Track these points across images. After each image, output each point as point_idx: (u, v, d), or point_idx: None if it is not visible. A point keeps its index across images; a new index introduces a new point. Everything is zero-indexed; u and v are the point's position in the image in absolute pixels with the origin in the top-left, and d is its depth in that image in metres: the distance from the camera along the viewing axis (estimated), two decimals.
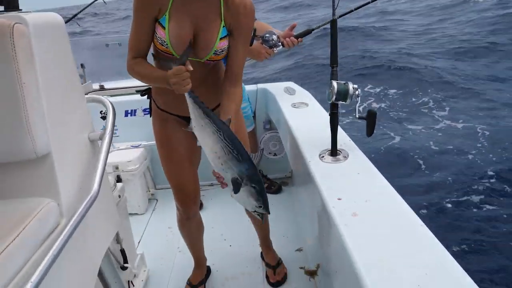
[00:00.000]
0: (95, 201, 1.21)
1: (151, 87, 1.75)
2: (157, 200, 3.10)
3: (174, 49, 1.45)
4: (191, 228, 2.02)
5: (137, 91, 1.94)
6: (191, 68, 1.37)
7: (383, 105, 7.10)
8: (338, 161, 1.63)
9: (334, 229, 1.23)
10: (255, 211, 1.40)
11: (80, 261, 1.28)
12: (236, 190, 1.35)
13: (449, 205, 3.89)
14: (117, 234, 1.95)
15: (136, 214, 2.90)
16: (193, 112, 1.41)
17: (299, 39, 2.36)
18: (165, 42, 1.44)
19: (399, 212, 1.25)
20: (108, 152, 1.37)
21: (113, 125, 1.44)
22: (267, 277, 2.15)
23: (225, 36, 1.50)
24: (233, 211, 2.79)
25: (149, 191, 3.04)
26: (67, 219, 1.20)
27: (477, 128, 5.53)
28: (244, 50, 1.57)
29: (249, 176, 1.34)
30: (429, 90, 7.33)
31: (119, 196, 2.02)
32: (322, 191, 1.41)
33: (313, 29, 2.37)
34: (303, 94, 2.70)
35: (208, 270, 2.25)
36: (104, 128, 1.42)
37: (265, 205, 1.38)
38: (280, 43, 2.35)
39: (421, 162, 4.80)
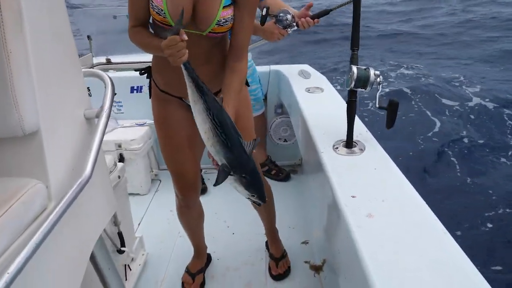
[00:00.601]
0: (88, 184, 1.11)
1: (150, 65, 1.64)
2: (160, 181, 3.01)
3: (172, 19, 1.33)
4: (191, 217, 1.92)
5: (136, 70, 1.83)
6: (186, 38, 1.24)
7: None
8: (354, 154, 1.50)
9: (346, 230, 1.11)
10: (249, 198, 1.34)
11: (69, 248, 1.19)
12: (220, 178, 1.25)
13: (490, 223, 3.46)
14: (115, 217, 1.86)
15: (138, 194, 2.81)
16: (188, 85, 1.30)
17: (316, 20, 2.20)
18: (162, 11, 1.32)
19: (420, 217, 1.13)
20: (104, 132, 1.26)
21: (111, 102, 1.32)
22: (269, 268, 2.06)
23: (229, 5, 1.36)
24: (238, 197, 2.68)
25: (152, 171, 2.95)
26: (56, 203, 1.10)
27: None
28: (250, 22, 1.44)
29: (238, 165, 1.25)
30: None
31: (119, 177, 1.93)
32: (335, 186, 1.29)
33: (331, 9, 2.21)
34: (318, 78, 2.56)
35: (209, 258, 2.17)
36: (101, 106, 1.30)
37: (258, 195, 1.29)
38: (294, 24, 2.19)
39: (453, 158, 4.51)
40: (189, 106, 1.32)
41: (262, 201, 1.31)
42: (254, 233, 2.37)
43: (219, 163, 1.28)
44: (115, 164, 1.92)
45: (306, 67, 2.82)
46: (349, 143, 1.56)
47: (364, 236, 1.06)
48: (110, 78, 1.38)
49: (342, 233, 1.16)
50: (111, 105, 1.32)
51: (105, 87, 1.37)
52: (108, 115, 1.29)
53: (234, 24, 1.41)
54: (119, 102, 2.99)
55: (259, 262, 2.15)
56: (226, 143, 1.23)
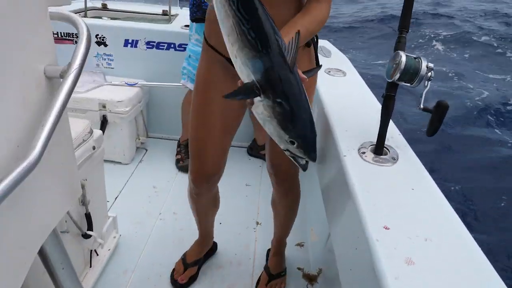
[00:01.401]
0: (38, 167, 0.80)
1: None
2: (146, 150, 2.70)
3: None
4: (200, 204, 1.61)
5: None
6: None
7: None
8: (384, 163, 1.20)
9: (376, 278, 0.82)
10: (287, 150, 0.91)
11: (4, 248, 0.89)
12: (238, 92, 0.87)
13: None
14: (84, 195, 1.56)
15: (120, 163, 2.50)
16: None
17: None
18: None
19: (479, 272, 0.84)
20: (67, 98, 0.92)
21: (84, 59, 0.97)
22: (258, 280, 1.76)
23: None
24: (232, 183, 2.40)
25: (139, 139, 2.63)
26: None
27: None
28: None
29: (271, 81, 0.84)
30: None
31: (94, 148, 1.61)
32: (362, 209, 0.99)
33: None
34: (340, 59, 2.21)
35: (212, 249, 1.88)
36: (70, 63, 0.96)
37: (303, 141, 0.88)
38: None
39: None
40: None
41: (309, 157, 0.90)
42: (245, 226, 2.10)
43: (248, 81, 0.88)
44: (91, 132, 1.60)
45: (326, 43, 2.46)
46: (379, 148, 1.25)
47: None
48: (87, 26, 1.04)
49: (368, 278, 0.87)
50: (83, 63, 0.98)
51: (78, 37, 1.03)
52: (77, 76, 0.96)
53: None
54: (110, 55, 2.63)
55: (246, 262, 1.88)
56: (256, 44, 0.84)
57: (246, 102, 0.92)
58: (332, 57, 2.20)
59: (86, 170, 1.56)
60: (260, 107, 0.87)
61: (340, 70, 1.99)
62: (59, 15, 1.07)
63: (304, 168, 0.94)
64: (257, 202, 2.27)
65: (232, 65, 1.28)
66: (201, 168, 1.44)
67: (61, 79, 0.96)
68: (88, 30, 1.03)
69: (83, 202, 1.56)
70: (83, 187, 1.56)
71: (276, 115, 0.85)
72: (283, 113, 0.85)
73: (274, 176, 1.53)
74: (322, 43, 2.41)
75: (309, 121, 0.89)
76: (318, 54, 2.18)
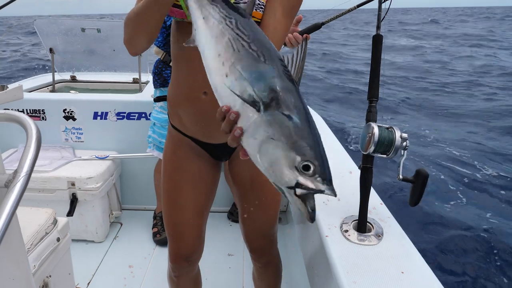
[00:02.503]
0: None
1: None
2: (121, 224, 2.56)
3: None
4: (183, 286, 1.49)
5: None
6: None
7: None
8: (369, 243, 1.12)
9: None
10: (296, 185, 0.67)
11: None
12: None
13: None
14: None
15: (92, 242, 2.35)
16: (192, 3, 0.86)
17: (305, 35, 1.83)
18: None
19: None
20: (14, 210, 0.83)
21: (32, 165, 0.89)
22: None
23: None
24: (213, 254, 2.27)
25: (113, 214, 2.49)
26: None
27: None
28: (283, 18, 1.08)
29: (280, 90, 0.70)
30: None
31: (58, 240, 1.49)
32: None
33: (323, 23, 1.85)
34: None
35: None
36: (16, 170, 0.88)
37: (320, 165, 0.67)
38: None
39: None
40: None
41: (329, 187, 0.68)
42: None
43: (242, 97, 0.71)
44: (54, 222, 1.49)
45: None
46: (362, 224, 1.18)
47: None
48: (37, 127, 0.97)
49: None
50: (31, 170, 0.90)
51: (26, 139, 0.96)
52: (24, 185, 0.87)
53: (264, 15, 1.07)
54: (79, 128, 2.55)
55: None
56: (258, 56, 0.73)
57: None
58: None
59: (50, 265, 1.43)
60: (260, 128, 0.69)
61: None
62: (5, 116, 1.00)
63: (312, 217, 0.70)
64: (242, 274, 2.13)
65: (199, 143, 1.22)
66: (178, 249, 1.37)
67: (5, 189, 0.87)
68: (38, 132, 0.95)
69: None
70: (47, 285, 1.43)
71: (283, 132, 0.68)
72: (294, 128, 0.68)
73: (250, 252, 1.47)
74: None
75: (321, 141, 0.71)
76: None
